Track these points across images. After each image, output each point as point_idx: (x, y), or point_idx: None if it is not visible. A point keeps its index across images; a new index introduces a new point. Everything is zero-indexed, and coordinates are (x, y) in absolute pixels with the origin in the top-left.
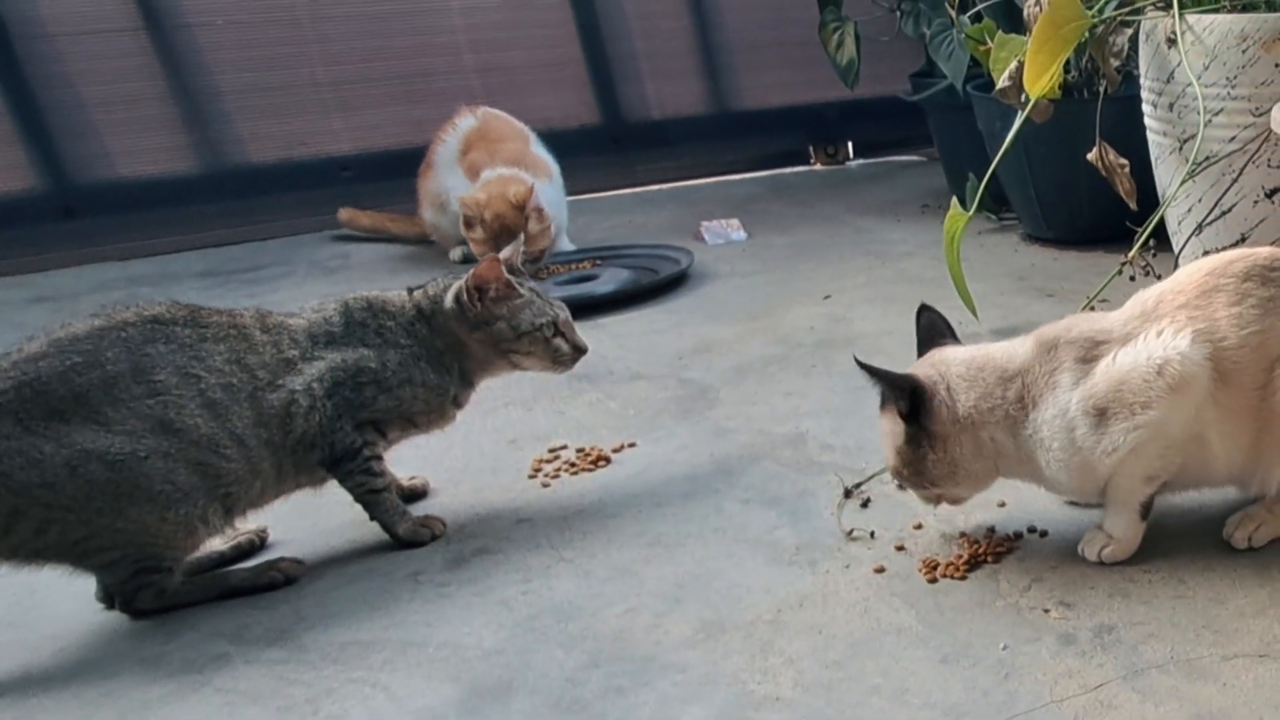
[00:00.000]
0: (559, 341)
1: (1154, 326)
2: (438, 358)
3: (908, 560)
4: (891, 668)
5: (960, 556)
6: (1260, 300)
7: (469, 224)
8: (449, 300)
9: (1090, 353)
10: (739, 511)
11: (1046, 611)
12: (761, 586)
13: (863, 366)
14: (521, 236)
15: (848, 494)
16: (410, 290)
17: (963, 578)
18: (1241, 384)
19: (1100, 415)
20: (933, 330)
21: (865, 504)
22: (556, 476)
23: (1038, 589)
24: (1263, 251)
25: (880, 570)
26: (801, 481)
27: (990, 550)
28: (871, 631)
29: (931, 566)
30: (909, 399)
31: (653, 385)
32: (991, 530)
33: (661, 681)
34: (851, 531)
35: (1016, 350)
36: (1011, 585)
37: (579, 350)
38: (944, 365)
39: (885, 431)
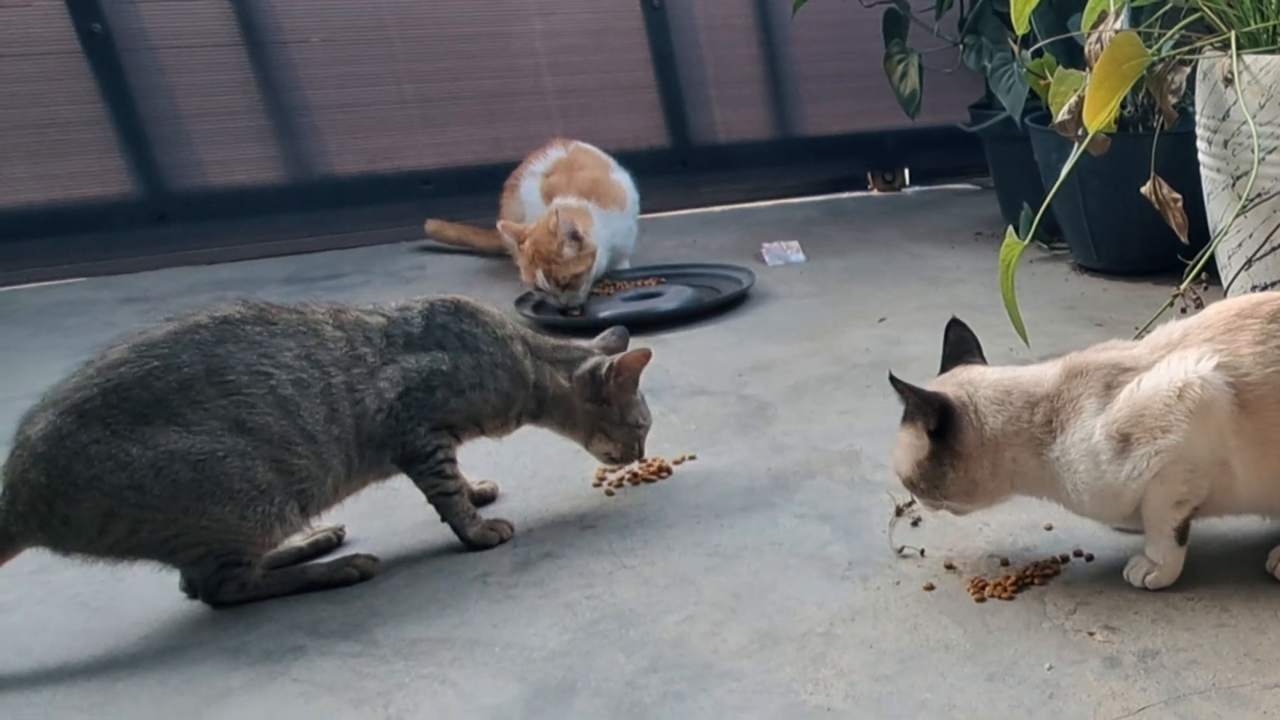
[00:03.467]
0: (637, 445)
1: (1177, 354)
2: (519, 376)
3: (956, 579)
4: (939, 684)
5: (1008, 577)
6: None
7: (519, 248)
8: (585, 368)
9: (1115, 379)
10: (794, 526)
11: (1091, 634)
12: (815, 600)
13: (895, 382)
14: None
15: (899, 512)
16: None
17: (1010, 598)
18: (1266, 418)
19: (1124, 441)
20: (960, 346)
21: (915, 523)
22: (620, 486)
23: (1083, 612)
24: None
25: (929, 588)
26: (854, 499)
27: (1037, 573)
28: (921, 647)
29: (979, 586)
30: (938, 417)
31: (713, 401)
32: (1039, 553)
33: (718, 689)
34: (902, 549)
35: (1045, 374)
36: (1057, 607)
37: (640, 458)
38: (972, 386)
39: (905, 443)
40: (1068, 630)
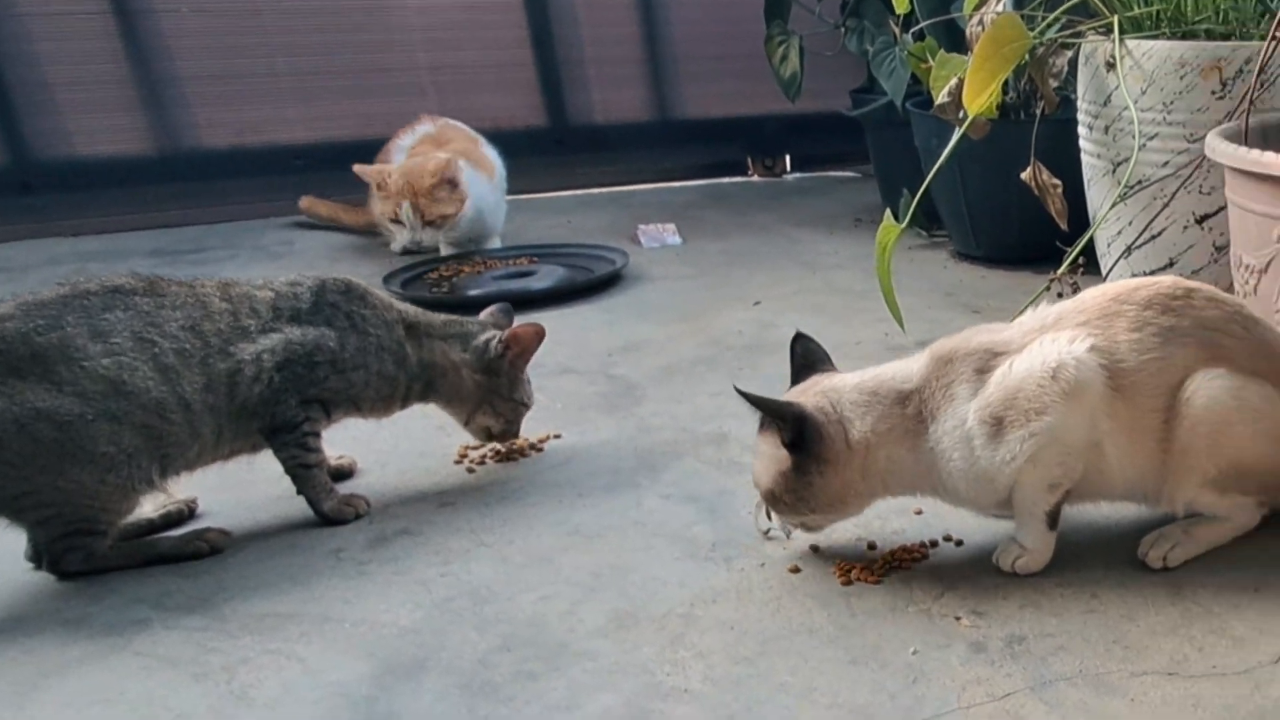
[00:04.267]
0: (518, 423)
1: (1050, 336)
2: (402, 360)
3: (822, 562)
4: (801, 666)
5: (875, 561)
6: (1160, 329)
7: (378, 187)
8: (483, 339)
9: (987, 364)
10: (659, 506)
11: (958, 619)
12: (676, 580)
13: (744, 396)
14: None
15: None
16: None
17: (876, 582)
18: (1139, 404)
19: (997, 424)
20: (809, 358)
21: None
22: (482, 463)
23: (950, 597)
24: (1165, 280)
25: (795, 570)
26: (722, 480)
27: (905, 557)
28: (783, 630)
29: (845, 569)
30: (794, 429)
31: (581, 380)
32: (907, 537)
33: (573, 668)
34: (768, 531)
35: (911, 367)
36: (924, 592)
37: (515, 437)
38: (834, 393)
39: (766, 454)
40: (934, 615)
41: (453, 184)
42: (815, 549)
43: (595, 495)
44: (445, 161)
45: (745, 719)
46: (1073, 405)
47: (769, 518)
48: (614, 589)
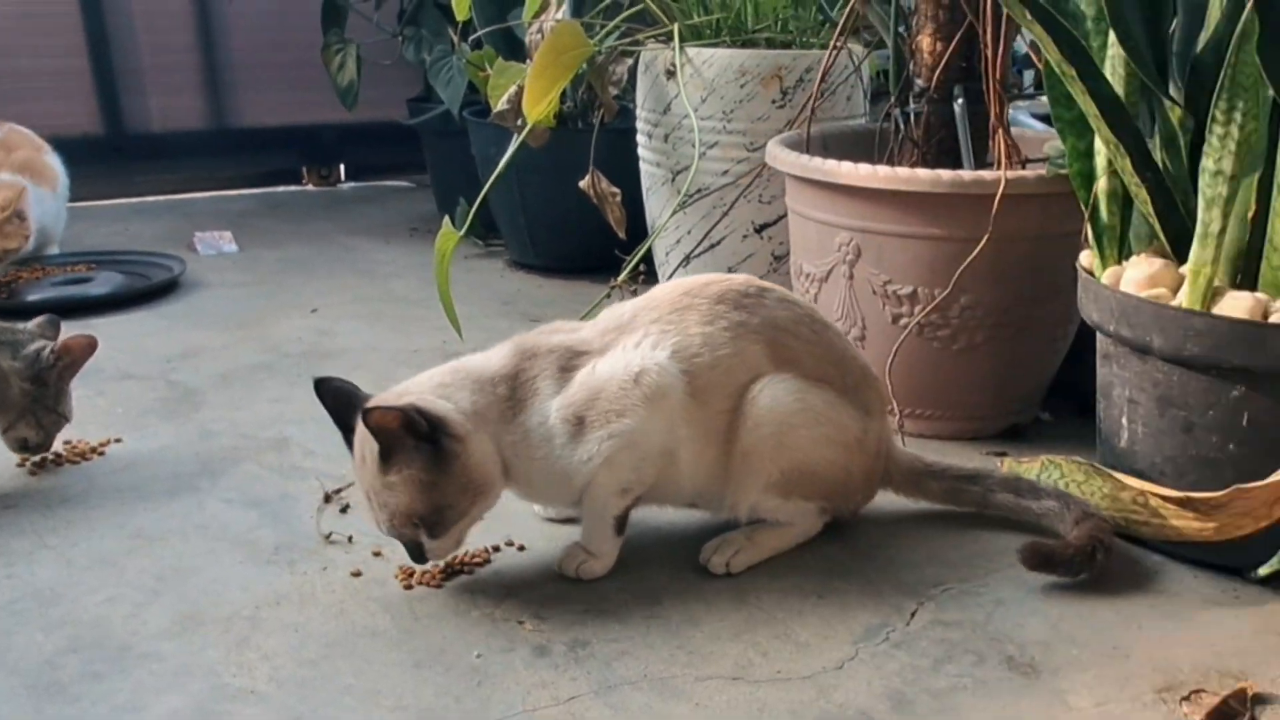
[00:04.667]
0: (54, 437)
1: (631, 338)
2: None
3: (385, 566)
4: (365, 669)
5: (438, 566)
6: (731, 324)
7: None
8: (34, 348)
9: (570, 362)
10: (221, 510)
11: (521, 623)
12: (240, 583)
13: (368, 414)
14: None
15: (327, 499)
16: None
17: (439, 586)
18: (711, 405)
19: (578, 424)
20: (343, 395)
21: (344, 509)
22: (43, 466)
23: (513, 601)
24: (738, 278)
25: (357, 574)
26: (283, 485)
27: (468, 561)
28: (347, 633)
29: (408, 573)
30: (423, 418)
31: (141, 385)
32: (470, 543)
33: (138, 669)
34: (330, 535)
35: (492, 357)
36: (487, 596)
37: (48, 450)
38: (414, 387)
39: (400, 482)
40: (497, 619)
41: (21, 217)
42: (378, 554)
43: (157, 499)
44: (18, 192)
45: None
46: (653, 410)
47: (420, 559)
48: (178, 592)
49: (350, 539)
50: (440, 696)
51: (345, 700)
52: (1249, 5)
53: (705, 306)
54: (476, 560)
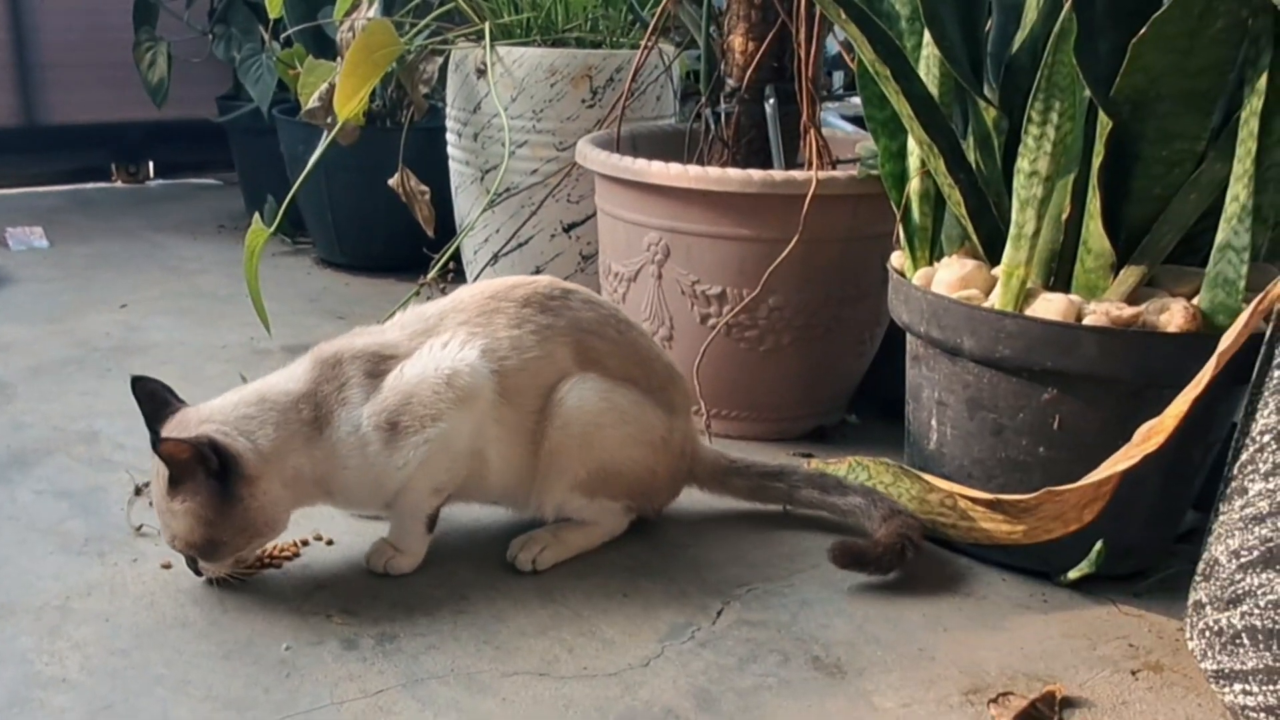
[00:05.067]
0: None
1: (439, 339)
2: None
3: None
4: (175, 659)
5: (246, 559)
6: (538, 327)
7: None
8: None
9: (378, 367)
10: (32, 501)
11: (330, 617)
12: (51, 574)
13: (160, 443)
14: None
15: (138, 491)
16: None
17: (248, 579)
18: (520, 406)
19: (392, 429)
20: (156, 399)
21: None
22: None
23: (321, 595)
24: (543, 280)
25: (167, 566)
26: (94, 477)
27: (276, 555)
28: (157, 624)
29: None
30: (215, 455)
31: None
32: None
33: None
34: (140, 527)
35: (295, 373)
36: (296, 590)
37: None
38: (218, 414)
39: (184, 510)
40: (306, 612)
41: None
42: None
43: None
44: None
45: (122, 709)
46: (465, 411)
47: (196, 572)
48: None
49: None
50: (249, 687)
51: (156, 690)
52: (1067, 5)
53: (512, 310)
54: (285, 554)
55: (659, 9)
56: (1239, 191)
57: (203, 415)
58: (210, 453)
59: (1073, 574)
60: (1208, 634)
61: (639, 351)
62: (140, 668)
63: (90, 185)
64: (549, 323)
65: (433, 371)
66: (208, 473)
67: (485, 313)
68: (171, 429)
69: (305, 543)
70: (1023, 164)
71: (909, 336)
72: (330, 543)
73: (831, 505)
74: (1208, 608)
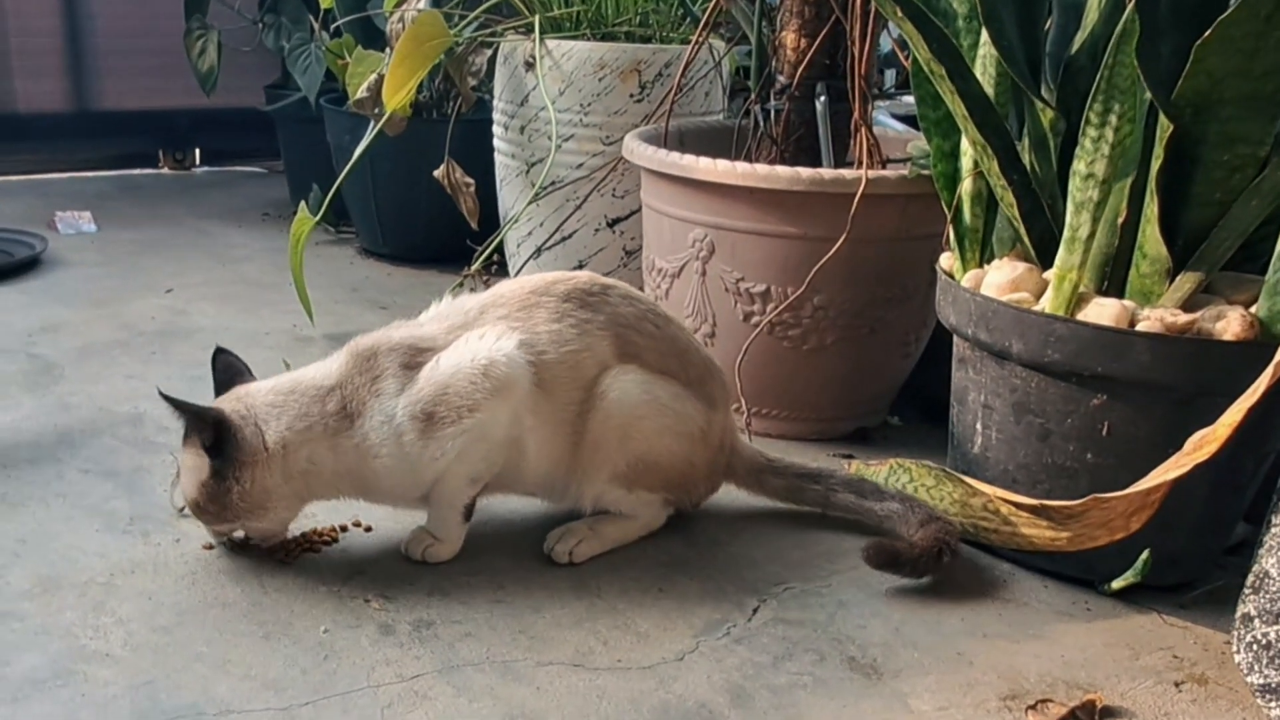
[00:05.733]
0: None
1: (476, 332)
2: None
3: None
4: (216, 638)
5: (287, 542)
6: (578, 321)
7: None
8: None
9: (414, 359)
10: (79, 480)
11: (368, 602)
12: (96, 550)
13: (167, 399)
14: None
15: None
16: None
17: (288, 562)
18: (558, 398)
19: (428, 420)
20: (230, 371)
21: None
22: None
23: (360, 580)
24: (583, 275)
25: (209, 547)
26: (138, 458)
27: (317, 539)
28: (199, 603)
29: (258, 545)
30: (213, 431)
31: (3, 358)
32: (318, 521)
33: (0, 628)
34: (183, 509)
35: (330, 366)
36: (335, 574)
37: None
38: (249, 397)
39: (189, 466)
40: (344, 596)
41: None
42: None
43: (19, 467)
44: None
45: (164, 684)
46: (501, 402)
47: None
48: (38, 555)
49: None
50: (288, 668)
51: (196, 667)
52: (1129, 5)
53: (553, 304)
54: (324, 539)
55: (711, 4)
56: None
57: (242, 391)
58: (205, 424)
59: (1117, 583)
60: (1255, 647)
61: (677, 345)
62: (182, 645)
63: (137, 171)
64: (589, 317)
65: (469, 362)
66: (202, 443)
67: (526, 307)
68: (222, 400)
69: (344, 528)
70: (1079, 166)
71: (956, 339)
72: (369, 529)
73: (867, 510)
74: (1256, 620)
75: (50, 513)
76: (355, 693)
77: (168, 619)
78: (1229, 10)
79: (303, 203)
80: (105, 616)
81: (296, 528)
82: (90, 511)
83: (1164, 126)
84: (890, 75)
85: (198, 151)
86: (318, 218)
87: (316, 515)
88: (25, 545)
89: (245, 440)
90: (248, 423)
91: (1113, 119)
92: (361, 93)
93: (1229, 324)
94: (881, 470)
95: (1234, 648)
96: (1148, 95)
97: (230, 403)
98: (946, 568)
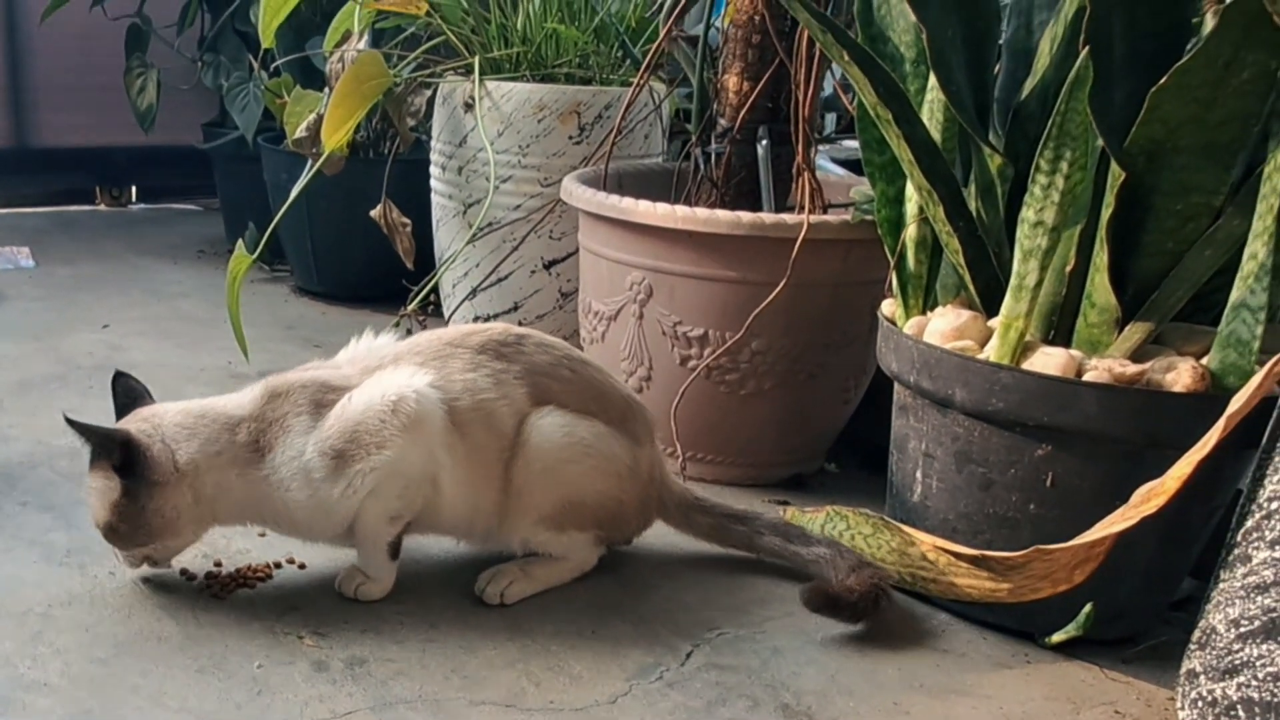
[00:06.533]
0: None
1: (389, 370)
2: None
3: (171, 575)
4: (151, 670)
5: (220, 577)
6: (493, 371)
7: None
8: None
9: (324, 397)
10: (17, 512)
11: (301, 638)
12: (34, 581)
13: (71, 424)
14: None
15: None
16: None
17: (222, 597)
18: (474, 441)
19: (338, 458)
20: (131, 394)
21: None
22: None
23: (293, 616)
24: (497, 327)
25: (146, 581)
26: (76, 491)
27: (251, 575)
28: (135, 635)
29: (193, 580)
30: (122, 452)
31: None
32: (252, 557)
33: None
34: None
35: (244, 398)
36: (268, 609)
37: None
38: (157, 418)
39: (97, 489)
40: (278, 632)
41: None
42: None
43: None
44: None
45: (101, 715)
46: (413, 438)
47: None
48: None
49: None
50: (222, 702)
51: (133, 699)
52: (1083, 51)
53: (468, 356)
54: (259, 574)
55: (653, 47)
56: (1257, 249)
57: (148, 413)
58: (113, 445)
59: (1058, 636)
60: (1200, 704)
61: (595, 387)
62: (118, 677)
63: (75, 207)
64: (503, 367)
65: (379, 399)
66: (111, 464)
67: (441, 357)
68: (128, 420)
69: (278, 565)
70: (1028, 213)
71: (897, 386)
72: (302, 566)
73: (794, 555)
74: (1202, 677)
75: None
76: None
77: (104, 651)
78: (1186, 57)
79: (240, 240)
80: (43, 646)
81: (230, 563)
82: (29, 543)
83: (1115, 174)
84: (831, 120)
85: (134, 188)
86: (254, 256)
87: (251, 551)
88: None
89: (155, 459)
90: (154, 441)
91: (1063, 166)
92: (300, 132)
93: (1180, 375)
94: (818, 517)
95: (1178, 704)
96: (1099, 142)
97: (136, 423)
98: (883, 615)
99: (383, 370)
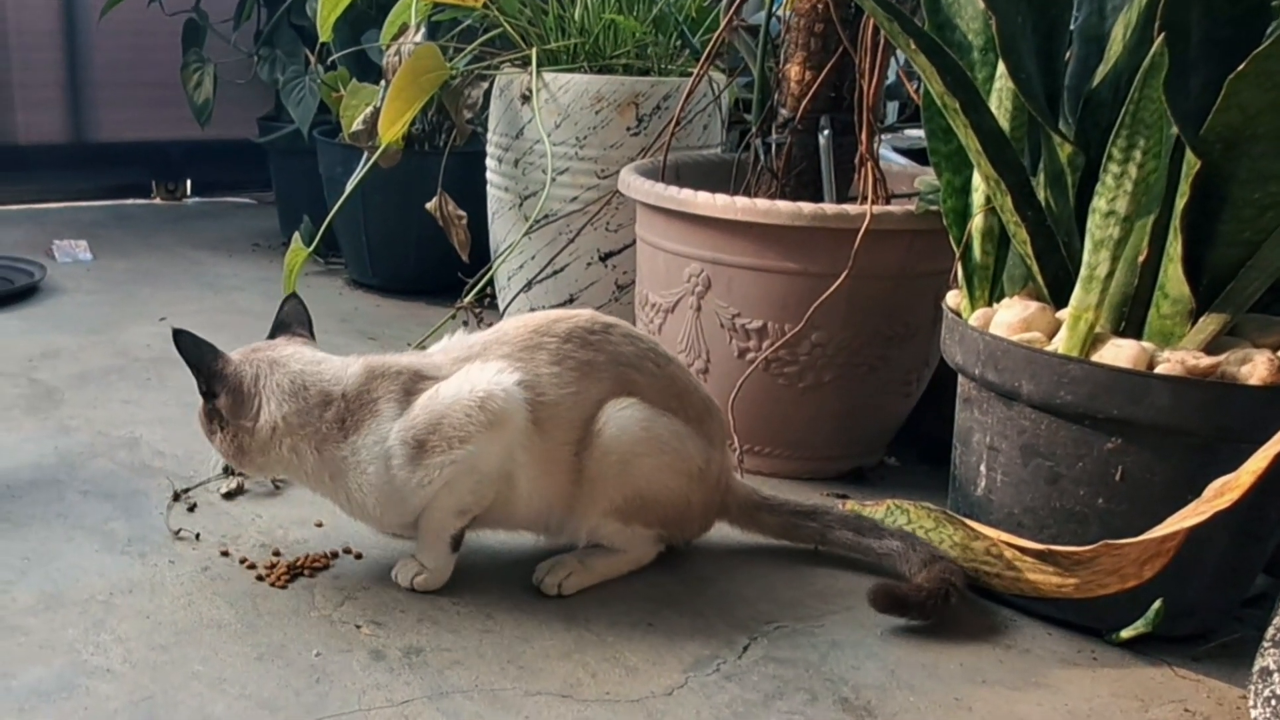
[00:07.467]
0: None
1: (478, 363)
2: None
3: (230, 564)
4: (211, 658)
5: (280, 566)
6: (579, 363)
7: None
8: None
9: (414, 385)
10: (79, 501)
11: (358, 627)
12: (96, 570)
13: (179, 335)
14: None
15: (176, 497)
16: None
17: (282, 586)
18: (554, 437)
19: (419, 447)
20: (291, 317)
21: (192, 508)
22: None
23: (351, 605)
24: (583, 314)
25: (205, 569)
26: (135, 481)
27: (309, 564)
28: (195, 623)
29: (252, 569)
30: (209, 381)
31: (5, 382)
32: (310, 547)
33: (6, 641)
34: (179, 531)
35: (343, 372)
36: (326, 599)
37: None
38: (272, 366)
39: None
40: (335, 621)
41: None
42: (225, 553)
43: (21, 488)
44: None
45: (163, 701)
46: (494, 435)
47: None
48: (41, 573)
49: (198, 536)
50: (281, 689)
51: (193, 685)
52: (1158, 38)
53: (554, 345)
54: (317, 564)
55: (714, 37)
56: None
57: (275, 355)
58: (201, 372)
59: (1126, 633)
60: (1274, 702)
61: (677, 384)
62: (179, 663)
63: (131, 201)
64: (589, 358)
65: (467, 393)
66: (198, 385)
67: (528, 347)
68: (260, 347)
69: (335, 555)
70: (1100, 203)
71: (961, 379)
72: (359, 556)
73: (866, 548)
74: (1275, 675)
75: (52, 532)
76: (346, 715)
77: (165, 638)
78: (1265, 43)
79: (297, 234)
80: (105, 634)
81: (289, 553)
82: (90, 532)
83: (1190, 163)
84: (893, 108)
85: (189, 183)
86: (311, 248)
87: (309, 541)
88: (29, 563)
89: (238, 399)
90: (247, 391)
91: (1136, 154)
92: (357, 125)
93: (1255, 367)
94: (878, 511)
95: (1250, 702)
96: (1174, 130)
97: (251, 360)
98: (951, 610)
99: (471, 362)
